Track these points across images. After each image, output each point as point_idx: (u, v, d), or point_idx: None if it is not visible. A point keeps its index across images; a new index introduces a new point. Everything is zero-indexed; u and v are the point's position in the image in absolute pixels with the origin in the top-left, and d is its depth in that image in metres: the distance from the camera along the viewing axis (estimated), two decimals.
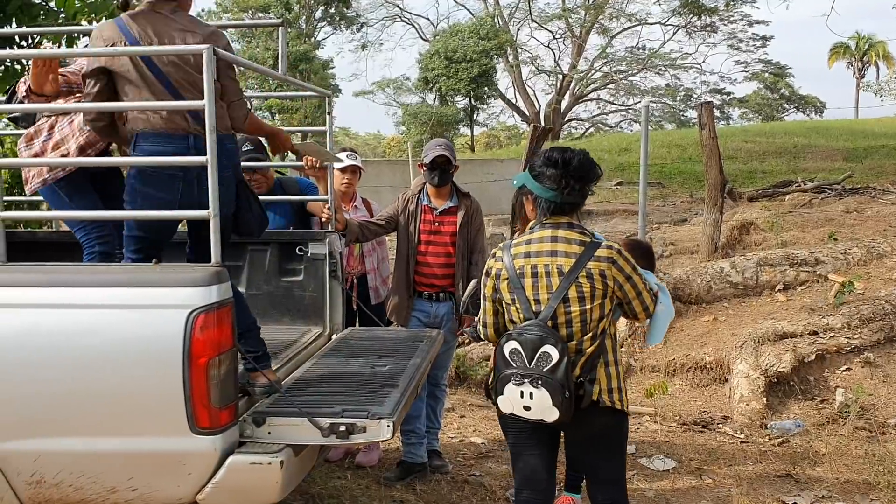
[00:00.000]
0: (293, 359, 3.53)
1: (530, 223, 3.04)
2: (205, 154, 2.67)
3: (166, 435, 2.60)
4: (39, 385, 2.58)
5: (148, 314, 2.60)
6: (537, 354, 2.81)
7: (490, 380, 3.07)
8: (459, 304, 4.56)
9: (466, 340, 7.10)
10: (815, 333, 6.39)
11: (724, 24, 36.26)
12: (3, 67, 6.44)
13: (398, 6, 37.41)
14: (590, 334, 2.90)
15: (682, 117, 39.95)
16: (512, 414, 2.90)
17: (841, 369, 6.16)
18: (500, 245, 3.07)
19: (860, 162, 20.10)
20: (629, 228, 12.67)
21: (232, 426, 2.67)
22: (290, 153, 3.98)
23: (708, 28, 36.08)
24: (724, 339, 6.67)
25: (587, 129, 42.11)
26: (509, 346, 2.86)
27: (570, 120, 40.61)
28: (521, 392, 2.83)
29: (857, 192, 13.97)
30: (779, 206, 13.23)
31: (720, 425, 5.75)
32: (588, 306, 2.87)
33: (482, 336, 3.19)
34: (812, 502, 4.38)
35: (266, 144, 3.93)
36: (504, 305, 3.01)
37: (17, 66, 6.70)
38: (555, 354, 2.80)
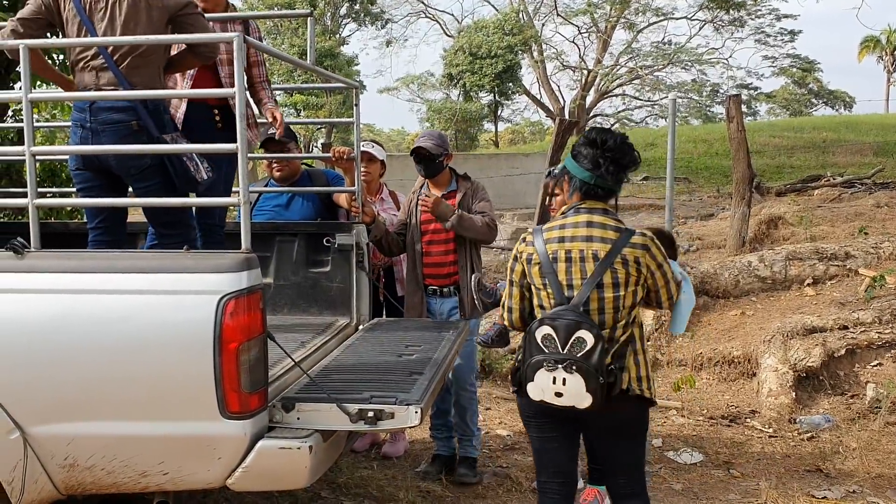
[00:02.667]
0: (321, 347, 3.55)
1: (563, 208, 2.98)
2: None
3: (197, 419, 2.62)
4: (73, 369, 2.62)
5: (179, 300, 2.62)
6: (571, 339, 2.73)
7: (517, 366, 2.96)
8: (464, 300, 4.51)
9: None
10: (845, 328, 6.31)
11: (752, 19, 35.83)
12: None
13: (422, 2, 37.41)
14: (622, 322, 2.85)
15: (709, 112, 39.61)
16: (542, 401, 2.80)
17: (871, 364, 6.08)
18: (531, 229, 3.00)
19: (891, 157, 19.82)
20: (655, 223, 12.59)
21: (261, 411, 2.70)
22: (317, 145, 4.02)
23: (735, 22, 35.70)
24: (752, 333, 6.61)
25: (612, 125, 41.84)
26: (542, 330, 2.78)
27: (595, 116, 40.38)
28: (554, 378, 2.73)
29: (888, 187, 13.81)
30: (807, 200, 13.10)
31: (748, 419, 5.70)
32: (622, 293, 2.83)
33: (507, 323, 3.09)
34: (842, 497, 4.33)
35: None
36: (533, 290, 2.94)
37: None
38: (590, 339, 2.73)
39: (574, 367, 2.72)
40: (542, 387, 2.77)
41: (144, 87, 3.24)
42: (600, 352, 2.73)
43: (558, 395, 2.76)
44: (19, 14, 3.27)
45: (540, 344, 2.78)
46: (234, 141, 2.67)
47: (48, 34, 3.42)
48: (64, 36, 3.31)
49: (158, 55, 3.36)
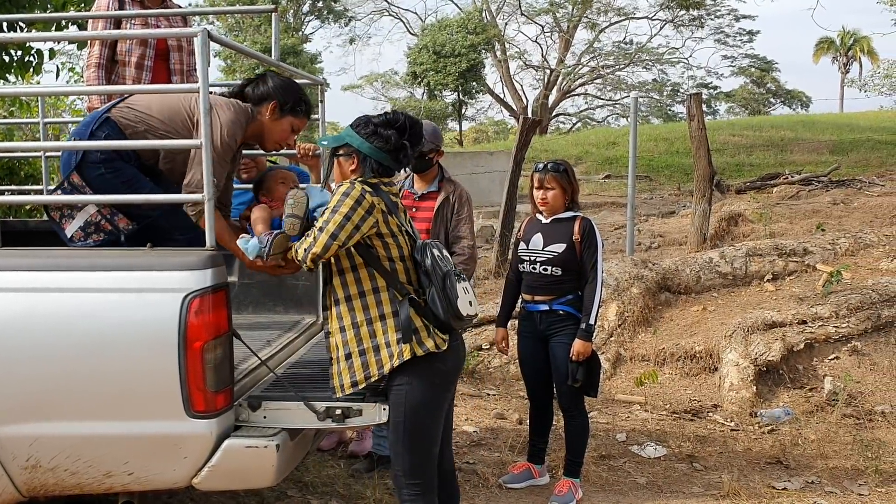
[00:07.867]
0: (288, 346, 3.53)
1: (359, 179, 2.83)
2: None
3: (162, 419, 2.60)
4: (35, 369, 2.58)
5: (143, 298, 2.60)
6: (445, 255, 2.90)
7: (424, 304, 2.83)
8: None
9: None
10: (804, 323, 6.44)
11: (712, 19, 36.43)
12: None
13: (386, 0, 37.35)
14: None
15: (669, 111, 40.11)
16: (467, 315, 2.82)
17: (829, 358, 6.21)
18: (358, 182, 2.78)
19: (846, 155, 20.23)
20: (617, 220, 12.72)
21: (227, 410, 2.68)
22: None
23: (695, 22, 36.21)
24: (713, 328, 6.70)
25: (574, 124, 42.20)
26: (434, 251, 2.83)
27: (558, 115, 40.70)
28: (465, 287, 2.84)
29: (844, 185, 14.13)
30: (767, 197, 13.33)
31: (710, 413, 5.79)
32: None
33: (315, 250, 2.73)
34: (801, 488, 4.42)
35: None
36: (379, 242, 2.78)
37: (6, 57, 6.66)
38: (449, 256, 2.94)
39: (463, 276, 2.87)
40: (466, 299, 2.82)
41: None
42: None
43: (470, 303, 2.84)
44: None
45: (439, 262, 2.81)
46: None
47: None
48: None
49: None
